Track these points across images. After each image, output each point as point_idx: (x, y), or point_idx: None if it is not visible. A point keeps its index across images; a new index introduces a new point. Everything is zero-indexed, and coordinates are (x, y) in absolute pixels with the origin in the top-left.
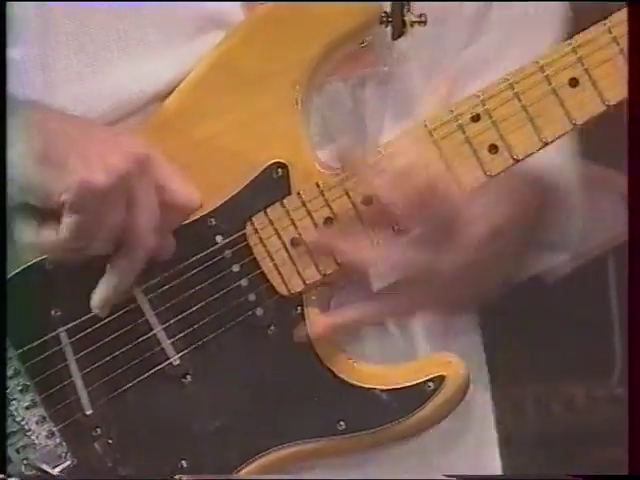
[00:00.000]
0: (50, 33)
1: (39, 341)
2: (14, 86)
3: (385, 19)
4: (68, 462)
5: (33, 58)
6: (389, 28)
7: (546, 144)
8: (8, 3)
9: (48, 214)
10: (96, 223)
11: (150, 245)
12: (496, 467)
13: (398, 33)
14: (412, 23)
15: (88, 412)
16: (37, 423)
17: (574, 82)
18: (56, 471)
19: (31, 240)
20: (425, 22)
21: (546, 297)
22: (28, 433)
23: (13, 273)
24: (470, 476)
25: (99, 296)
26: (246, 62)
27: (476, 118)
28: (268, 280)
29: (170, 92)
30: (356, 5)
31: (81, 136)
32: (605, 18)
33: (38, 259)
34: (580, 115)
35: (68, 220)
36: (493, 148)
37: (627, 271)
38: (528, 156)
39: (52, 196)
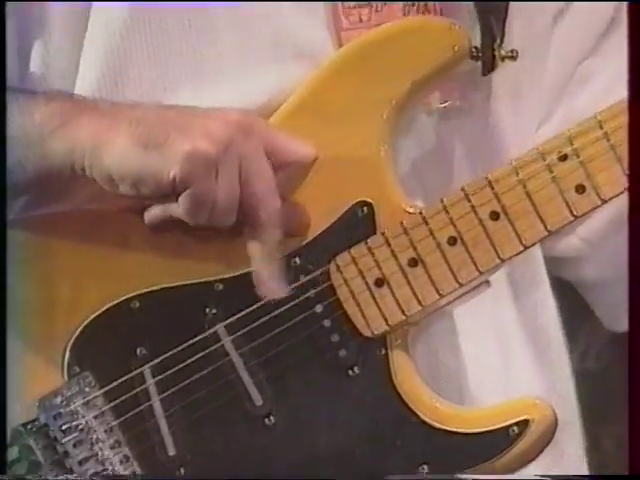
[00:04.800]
0: (125, 43)
1: (123, 379)
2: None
3: (475, 54)
4: None
5: (107, 70)
6: (479, 63)
7: None
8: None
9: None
10: (211, 194)
11: (276, 206)
12: None
13: (489, 68)
14: (503, 58)
15: (171, 453)
16: (120, 463)
17: None
18: None
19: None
20: (516, 57)
21: None
22: (111, 473)
23: (99, 312)
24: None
25: (260, 281)
26: (334, 99)
27: (563, 157)
28: (351, 321)
29: None
30: (446, 40)
31: (176, 114)
32: None
33: (124, 298)
34: None
35: (182, 195)
36: (580, 188)
37: (628, 271)
38: (615, 197)
39: (162, 176)
